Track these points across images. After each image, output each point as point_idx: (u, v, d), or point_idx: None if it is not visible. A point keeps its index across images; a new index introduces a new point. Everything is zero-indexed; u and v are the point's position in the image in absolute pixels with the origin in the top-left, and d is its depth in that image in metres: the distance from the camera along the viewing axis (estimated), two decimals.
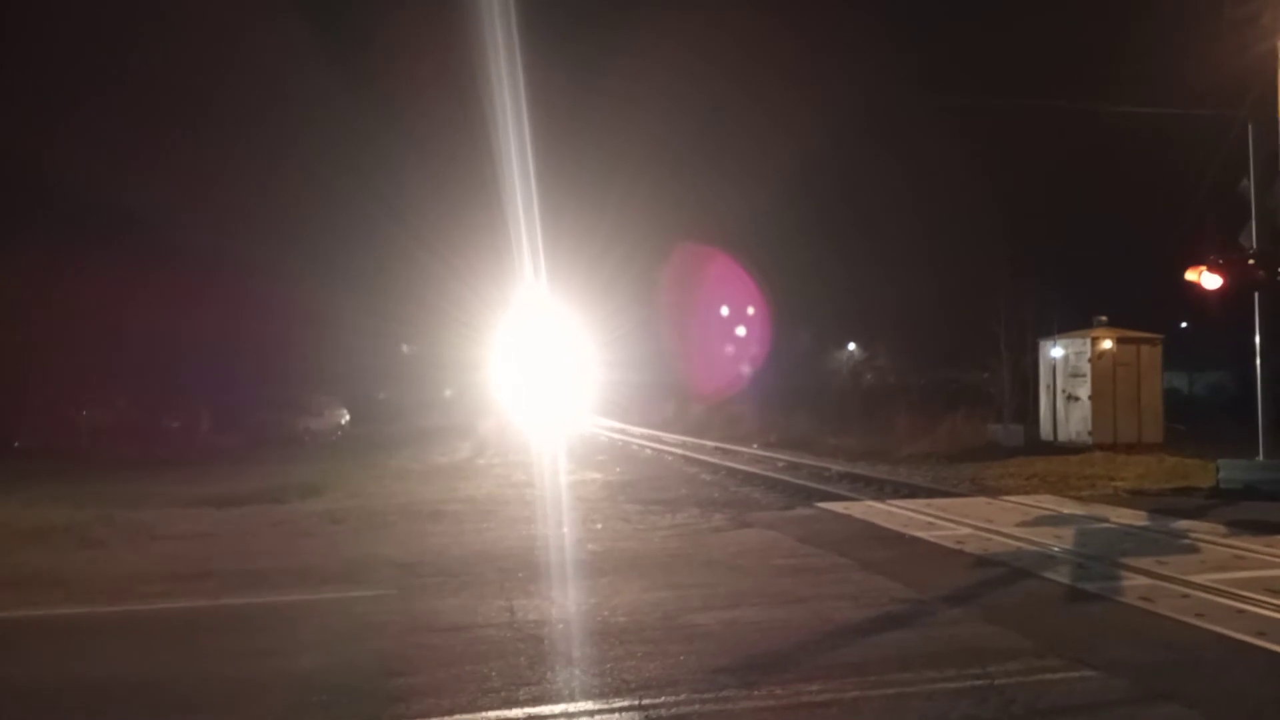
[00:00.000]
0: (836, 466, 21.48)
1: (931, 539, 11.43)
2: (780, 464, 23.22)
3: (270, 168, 39.41)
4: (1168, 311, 28.15)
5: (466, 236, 36.73)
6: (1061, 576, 9.28)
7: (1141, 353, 24.06)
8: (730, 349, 44.76)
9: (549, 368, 39.20)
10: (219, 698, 6.21)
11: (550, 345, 38.74)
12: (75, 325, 32.35)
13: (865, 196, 40.71)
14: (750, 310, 44.37)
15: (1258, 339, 15.97)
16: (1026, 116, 23.46)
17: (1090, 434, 23.29)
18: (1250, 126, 15.80)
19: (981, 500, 15.13)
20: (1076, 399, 23.88)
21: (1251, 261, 15.03)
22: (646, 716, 5.72)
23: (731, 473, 21.73)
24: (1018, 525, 12.22)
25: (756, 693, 6.04)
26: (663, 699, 5.95)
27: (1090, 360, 23.70)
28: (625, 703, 5.92)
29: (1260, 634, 7.07)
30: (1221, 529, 11.72)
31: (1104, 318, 24.69)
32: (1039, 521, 12.59)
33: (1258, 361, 16.06)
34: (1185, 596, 8.25)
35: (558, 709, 5.88)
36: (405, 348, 51.12)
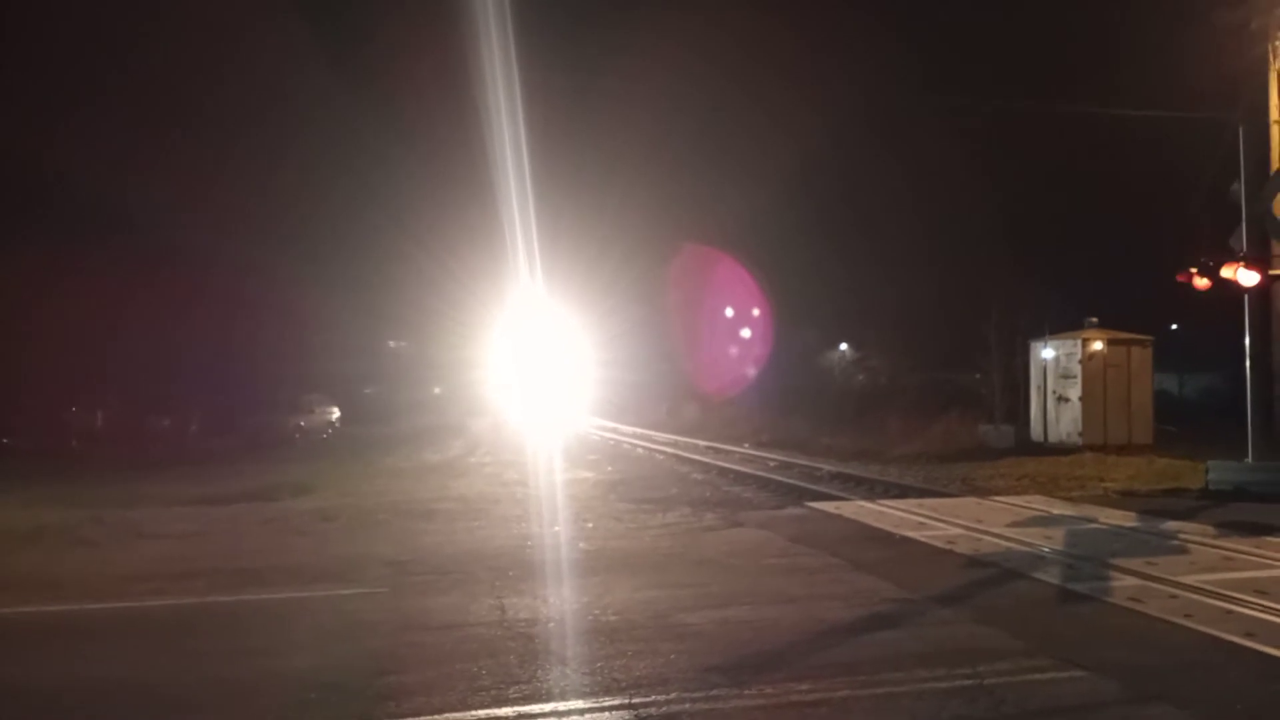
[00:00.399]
0: (828, 466, 21.51)
1: (923, 539, 11.46)
2: (772, 464, 23.25)
3: (266, 168, 39.30)
4: (1163, 313, 28.25)
5: (463, 237, 36.74)
6: (1052, 577, 9.31)
7: (1132, 354, 24.12)
8: (726, 350, 44.81)
9: (544, 367, 39.22)
10: (210, 696, 6.20)
11: (546, 345, 38.78)
12: (66, 325, 32.23)
13: (865, 196, 40.71)
14: (746, 311, 44.44)
15: (1247, 341, 16.05)
16: (1025, 119, 23.54)
17: (1080, 435, 23.35)
18: (1241, 131, 15.89)
19: (972, 501, 15.17)
20: (1067, 400, 23.94)
21: (1241, 264, 15.10)
22: (637, 715, 5.73)
23: (723, 472, 21.75)
24: (1008, 526, 12.26)
25: (747, 692, 6.05)
26: (653, 698, 5.96)
27: (1081, 361, 23.76)
28: (616, 701, 5.93)
29: (1249, 635, 7.10)
30: (1211, 530, 11.77)
31: (1095, 319, 24.76)
32: (1029, 522, 12.63)
33: (1247, 363, 16.14)
34: (1174, 597, 8.28)
35: (548, 708, 5.88)
36: (393, 344, 50.99)
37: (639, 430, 36.89)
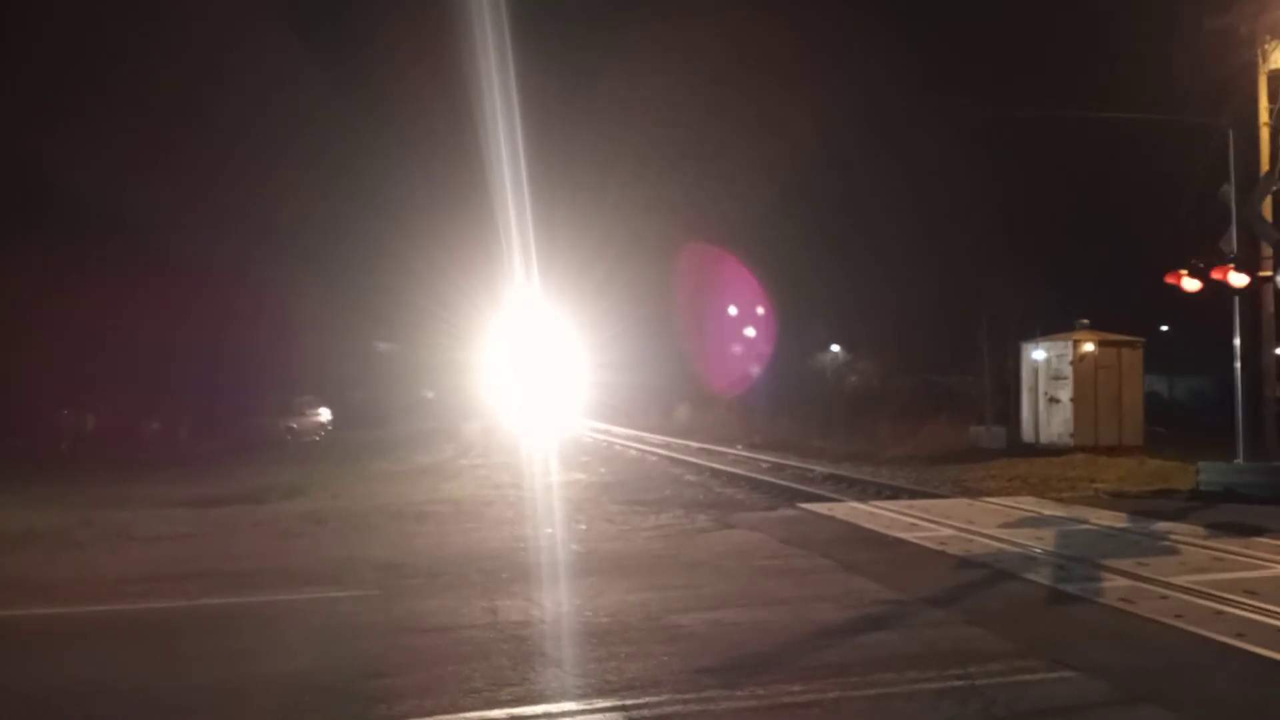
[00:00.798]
0: (820, 468, 21.55)
1: (914, 540, 11.48)
2: (765, 465, 23.27)
3: (262, 171, 39.24)
4: (1153, 315, 28.28)
5: (460, 238, 36.62)
6: (1043, 578, 9.34)
7: (1122, 355, 24.22)
8: (721, 353, 44.81)
9: (538, 370, 39.18)
10: (203, 700, 6.18)
11: (540, 347, 38.73)
12: (57, 329, 32.15)
13: (864, 197, 40.66)
14: (743, 314, 44.46)
15: (1237, 342, 16.12)
16: (1022, 121, 23.54)
17: (1071, 436, 23.44)
18: (1231, 134, 15.97)
19: (963, 502, 15.20)
20: (1058, 401, 24.03)
21: (1231, 266, 15.17)
22: (629, 717, 5.73)
23: (716, 474, 21.77)
24: (999, 527, 12.29)
25: (739, 693, 6.06)
26: (645, 699, 5.96)
27: (1072, 363, 23.85)
28: (608, 703, 5.93)
29: (1239, 635, 7.13)
30: (1201, 531, 11.82)
31: (1086, 321, 24.85)
32: (1020, 523, 12.66)
33: (1237, 365, 16.21)
34: (1165, 598, 8.31)
35: (540, 710, 5.88)
36: (382, 346, 50.83)
37: (632, 432, 36.90)
